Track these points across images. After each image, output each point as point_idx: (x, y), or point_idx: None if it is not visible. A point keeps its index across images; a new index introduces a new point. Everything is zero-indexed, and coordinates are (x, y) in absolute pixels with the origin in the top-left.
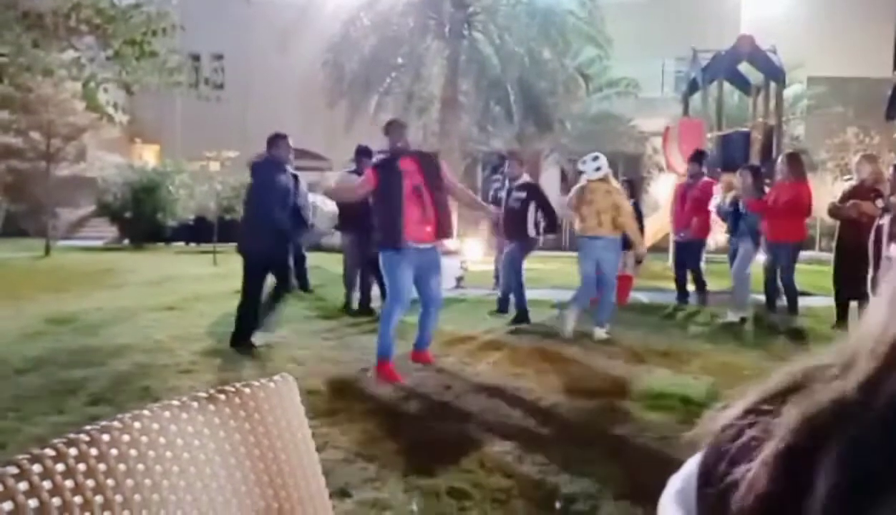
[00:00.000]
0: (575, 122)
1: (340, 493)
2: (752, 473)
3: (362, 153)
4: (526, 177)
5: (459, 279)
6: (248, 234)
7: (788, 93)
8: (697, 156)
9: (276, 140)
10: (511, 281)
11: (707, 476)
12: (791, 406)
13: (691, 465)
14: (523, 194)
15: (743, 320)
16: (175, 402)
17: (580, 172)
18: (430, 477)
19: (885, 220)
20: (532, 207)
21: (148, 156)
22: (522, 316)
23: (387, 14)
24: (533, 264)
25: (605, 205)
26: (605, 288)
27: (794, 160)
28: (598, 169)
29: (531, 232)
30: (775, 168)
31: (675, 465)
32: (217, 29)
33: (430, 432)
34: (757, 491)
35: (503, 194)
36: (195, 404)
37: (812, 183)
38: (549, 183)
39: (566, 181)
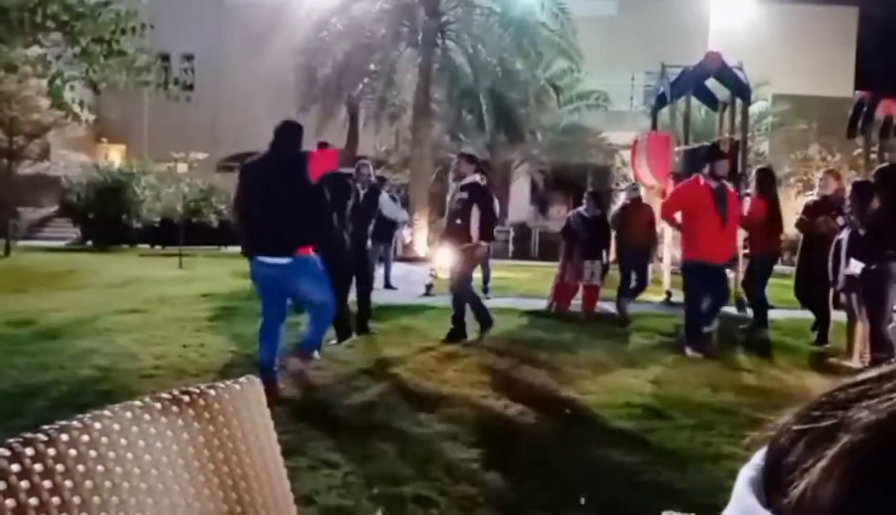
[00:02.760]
0: (546, 133)
1: (305, 500)
2: (813, 478)
3: None
4: (474, 178)
5: (429, 286)
6: None
7: (754, 109)
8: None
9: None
10: (461, 300)
11: (770, 483)
12: (853, 411)
13: (760, 457)
14: (465, 195)
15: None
16: (137, 403)
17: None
18: (396, 485)
19: (843, 235)
20: (475, 210)
21: (114, 156)
22: (486, 320)
23: (360, 20)
24: (501, 273)
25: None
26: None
27: (764, 175)
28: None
29: (474, 237)
30: (741, 182)
31: (639, 473)
32: (188, 29)
33: (396, 439)
34: (819, 495)
35: (448, 196)
36: (158, 405)
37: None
38: (520, 192)
39: (536, 191)
